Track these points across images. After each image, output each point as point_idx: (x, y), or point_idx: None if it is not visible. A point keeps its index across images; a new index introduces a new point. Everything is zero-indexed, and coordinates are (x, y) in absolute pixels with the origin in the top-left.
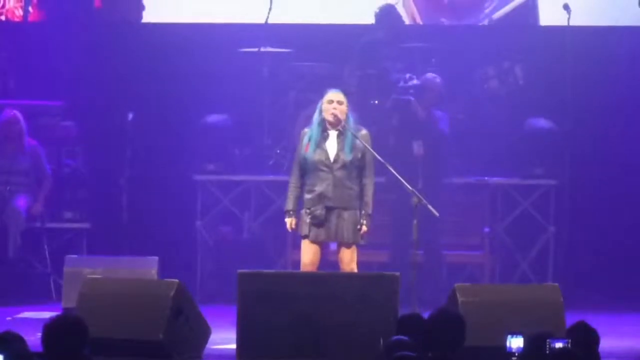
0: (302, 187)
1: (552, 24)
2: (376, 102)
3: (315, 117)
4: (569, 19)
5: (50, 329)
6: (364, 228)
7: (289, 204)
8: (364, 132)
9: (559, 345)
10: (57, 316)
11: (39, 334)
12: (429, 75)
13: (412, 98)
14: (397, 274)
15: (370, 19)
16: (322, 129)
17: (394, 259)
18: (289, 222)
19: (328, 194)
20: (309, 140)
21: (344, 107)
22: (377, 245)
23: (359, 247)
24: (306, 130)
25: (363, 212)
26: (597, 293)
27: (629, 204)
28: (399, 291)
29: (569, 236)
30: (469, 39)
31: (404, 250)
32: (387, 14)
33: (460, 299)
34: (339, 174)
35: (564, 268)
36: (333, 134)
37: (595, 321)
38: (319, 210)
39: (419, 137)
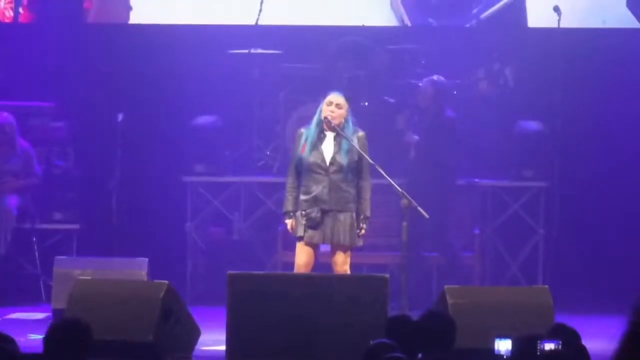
0: (299, 188)
1: (540, 25)
2: (366, 104)
3: (315, 117)
4: (559, 20)
5: (56, 332)
6: (362, 231)
7: (288, 205)
8: (360, 133)
9: (549, 346)
10: (65, 319)
11: (29, 335)
12: (429, 78)
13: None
14: (387, 275)
15: (359, 21)
16: (319, 130)
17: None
18: (290, 223)
19: (323, 197)
20: (305, 140)
21: (342, 112)
22: (368, 247)
23: (352, 248)
24: (302, 130)
25: (362, 215)
26: (587, 295)
27: (618, 205)
28: (389, 292)
29: (558, 238)
30: (458, 40)
31: (418, 252)
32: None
33: (450, 300)
34: (335, 177)
35: (554, 270)
36: (330, 135)
37: (585, 323)
38: (315, 213)
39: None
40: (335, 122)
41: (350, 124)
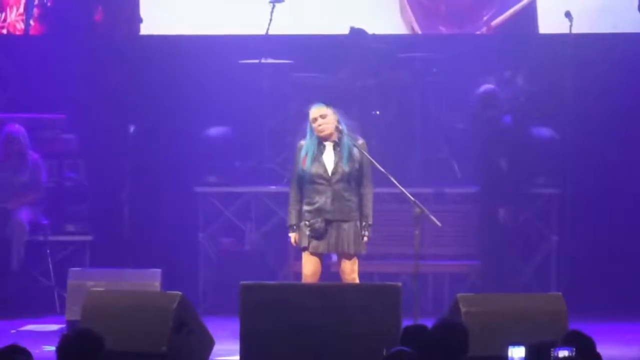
0: (302, 201)
1: (551, 31)
2: (377, 112)
3: (308, 132)
4: (570, 26)
5: (69, 343)
6: (366, 238)
7: (292, 219)
8: (360, 141)
9: (563, 353)
10: (77, 330)
11: (43, 347)
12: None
13: None
14: (399, 284)
15: (369, 29)
16: (318, 142)
17: (488, 272)
18: (293, 237)
19: (327, 207)
20: (306, 153)
21: (329, 119)
22: (379, 256)
23: (360, 257)
24: (302, 142)
25: (364, 222)
26: (601, 301)
27: (631, 211)
28: (400, 302)
29: (571, 245)
30: (469, 48)
31: (499, 262)
32: (351, 38)
33: (463, 309)
34: (338, 186)
35: (567, 277)
36: (329, 145)
37: (598, 330)
38: (318, 223)
39: None
40: (327, 132)
41: (346, 131)
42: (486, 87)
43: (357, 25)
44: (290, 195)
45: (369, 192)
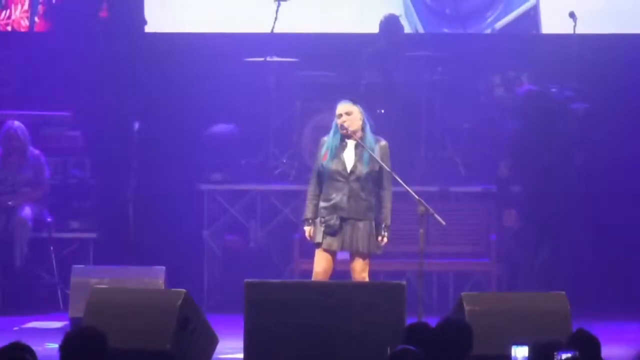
0: (319, 196)
1: (555, 31)
2: (382, 111)
3: (333, 127)
4: (574, 26)
5: (72, 341)
6: (385, 240)
7: (308, 213)
8: (383, 143)
9: (566, 356)
10: (80, 328)
11: (47, 344)
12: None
13: None
14: (404, 282)
15: (375, 28)
16: (340, 138)
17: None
18: (308, 230)
19: (343, 205)
20: (327, 149)
21: (354, 116)
22: (384, 255)
23: (371, 256)
24: (325, 138)
25: (383, 224)
26: (605, 301)
27: (636, 211)
28: (405, 300)
29: (575, 244)
30: (474, 47)
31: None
32: (387, 24)
33: (467, 307)
34: (355, 185)
35: (571, 276)
36: (351, 143)
37: (603, 329)
38: (333, 220)
39: None
40: (352, 129)
41: (370, 132)
42: (531, 87)
43: (360, 24)
44: (309, 189)
45: (388, 193)
